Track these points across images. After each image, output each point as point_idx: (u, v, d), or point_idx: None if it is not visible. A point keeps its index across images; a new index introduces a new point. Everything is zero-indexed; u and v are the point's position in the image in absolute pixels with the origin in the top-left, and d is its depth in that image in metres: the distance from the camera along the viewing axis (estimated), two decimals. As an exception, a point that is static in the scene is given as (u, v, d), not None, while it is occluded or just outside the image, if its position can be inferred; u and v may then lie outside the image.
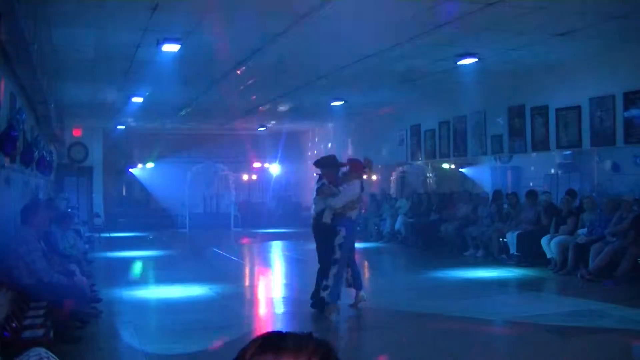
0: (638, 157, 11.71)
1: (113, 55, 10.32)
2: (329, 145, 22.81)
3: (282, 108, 17.20)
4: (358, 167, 8.34)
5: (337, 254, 7.81)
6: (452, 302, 8.55)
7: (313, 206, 8.37)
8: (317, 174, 8.51)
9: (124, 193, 23.83)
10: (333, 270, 7.78)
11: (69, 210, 13.32)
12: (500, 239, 12.47)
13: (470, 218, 13.67)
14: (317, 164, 8.51)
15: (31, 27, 6.45)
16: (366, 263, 14.21)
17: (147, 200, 23.59)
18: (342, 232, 7.87)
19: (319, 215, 8.10)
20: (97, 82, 12.88)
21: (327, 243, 7.96)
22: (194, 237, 19.62)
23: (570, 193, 11.46)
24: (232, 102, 15.99)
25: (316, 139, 23.98)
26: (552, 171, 14.05)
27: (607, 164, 12.23)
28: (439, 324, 7.35)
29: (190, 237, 19.87)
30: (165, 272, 11.99)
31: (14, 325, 4.89)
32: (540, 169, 14.37)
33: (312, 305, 8.02)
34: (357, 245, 17.00)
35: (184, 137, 23.15)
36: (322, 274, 7.95)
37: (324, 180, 8.22)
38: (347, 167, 8.37)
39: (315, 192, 8.32)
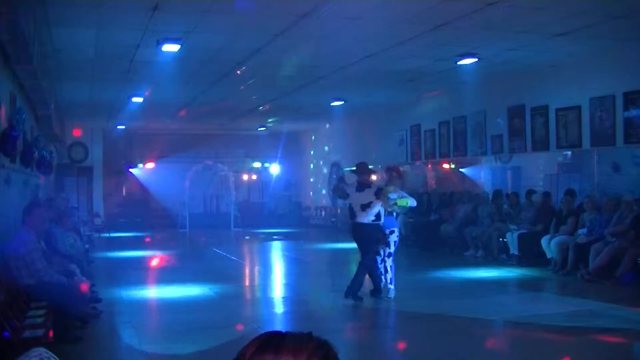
0: (638, 157, 11.70)
1: (113, 55, 10.32)
2: (329, 145, 22.81)
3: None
4: (398, 171, 9.32)
5: (393, 249, 8.81)
6: (452, 302, 8.55)
7: (362, 210, 8.49)
8: (357, 181, 8.80)
9: (124, 193, 23.82)
10: (389, 263, 8.74)
11: (68, 208, 13.31)
12: (500, 239, 12.47)
13: (470, 218, 13.66)
14: (360, 171, 8.87)
15: (31, 27, 6.45)
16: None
17: (147, 200, 23.58)
18: (396, 231, 8.90)
19: (377, 217, 8.51)
20: (97, 82, 12.87)
21: (374, 242, 8.67)
22: (194, 237, 19.63)
23: (570, 193, 11.45)
24: (232, 102, 16.00)
25: (316, 139, 23.98)
26: (552, 171, 14.05)
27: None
28: (439, 324, 7.34)
29: (190, 237, 19.87)
30: (165, 272, 12.00)
31: (12, 324, 4.89)
32: (540, 169, 14.37)
33: (351, 296, 8.49)
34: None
35: (184, 137, 23.14)
36: (368, 268, 8.71)
37: (379, 185, 8.89)
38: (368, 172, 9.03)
39: (369, 197, 8.49)
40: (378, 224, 8.55)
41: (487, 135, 13.65)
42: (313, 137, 24.09)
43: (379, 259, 8.79)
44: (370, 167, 9.13)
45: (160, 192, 22.96)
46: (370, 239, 8.60)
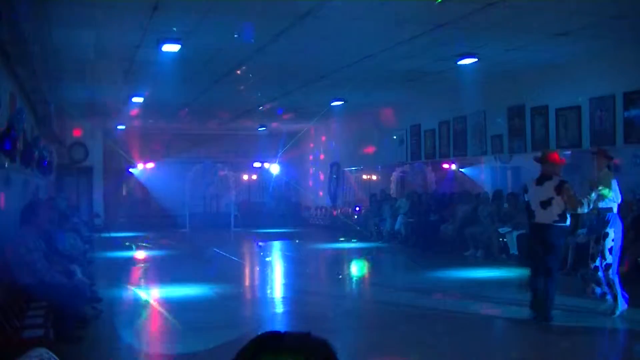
0: (638, 157, 11.70)
1: (113, 55, 10.32)
2: (329, 145, 22.82)
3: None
4: (606, 155, 7.65)
5: (611, 258, 7.23)
6: (452, 302, 8.56)
7: (541, 208, 7.09)
8: (540, 173, 7.36)
9: (124, 193, 23.82)
10: (610, 275, 7.22)
11: (67, 209, 13.32)
12: (500, 239, 12.47)
13: (470, 218, 13.67)
14: (544, 160, 7.35)
15: (31, 27, 6.45)
16: (366, 263, 14.23)
17: (147, 200, 23.57)
18: (611, 233, 7.23)
19: (561, 217, 7.06)
20: (97, 82, 12.87)
21: (556, 246, 7.22)
22: (194, 237, 19.62)
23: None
24: (232, 102, 16.00)
25: (316, 139, 23.98)
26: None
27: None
28: (439, 324, 7.35)
29: (190, 237, 19.87)
30: (165, 272, 11.99)
31: (12, 324, 4.89)
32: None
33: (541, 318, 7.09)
34: (356, 245, 17.07)
35: (184, 137, 23.14)
36: (540, 280, 7.22)
37: (560, 178, 7.19)
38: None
39: (548, 192, 7.06)
40: (562, 226, 7.12)
41: (487, 135, 13.65)
42: (313, 138, 24.09)
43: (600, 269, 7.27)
44: (556, 154, 7.45)
45: (160, 192, 22.95)
46: (551, 244, 7.10)
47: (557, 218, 7.00)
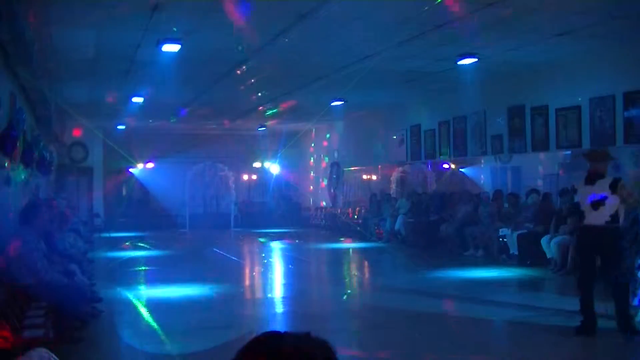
0: (638, 157, 11.69)
1: (113, 55, 10.32)
2: (329, 145, 22.81)
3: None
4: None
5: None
6: (452, 302, 8.56)
7: (592, 209, 6.52)
8: (587, 171, 6.76)
9: (124, 193, 23.80)
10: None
11: (67, 209, 13.31)
12: (500, 239, 12.47)
13: (470, 218, 13.67)
14: (593, 158, 6.78)
15: (31, 27, 6.45)
16: (366, 263, 14.24)
17: (147, 200, 23.56)
18: None
19: (614, 218, 6.50)
20: (97, 82, 12.87)
21: (615, 250, 6.69)
22: (194, 237, 19.63)
23: (564, 193, 11.40)
24: (232, 102, 16.00)
25: (316, 139, 23.98)
26: (553, 171, 14.04)
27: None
28: (438, 324, 7.35)
29: (190, 237, 19.87)
30: (165, 272, 11.99)
31: (12, 324, 4.89)
32: (541, 169, 14.38)
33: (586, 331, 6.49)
34: (356, 245, 17.08)
35: (184, 137, 23.13)
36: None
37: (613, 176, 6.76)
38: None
39: (602, 191, 6.50)
40: (616, 227, 6.54)
41: (487, 135, 13.65)
42: (313, 138, 24.09)
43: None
44: (607, 153, 6.89)
45: (160, 192, 22.95)
46: (608, 247, 6.56)
47: (609, 219, 6.46)
